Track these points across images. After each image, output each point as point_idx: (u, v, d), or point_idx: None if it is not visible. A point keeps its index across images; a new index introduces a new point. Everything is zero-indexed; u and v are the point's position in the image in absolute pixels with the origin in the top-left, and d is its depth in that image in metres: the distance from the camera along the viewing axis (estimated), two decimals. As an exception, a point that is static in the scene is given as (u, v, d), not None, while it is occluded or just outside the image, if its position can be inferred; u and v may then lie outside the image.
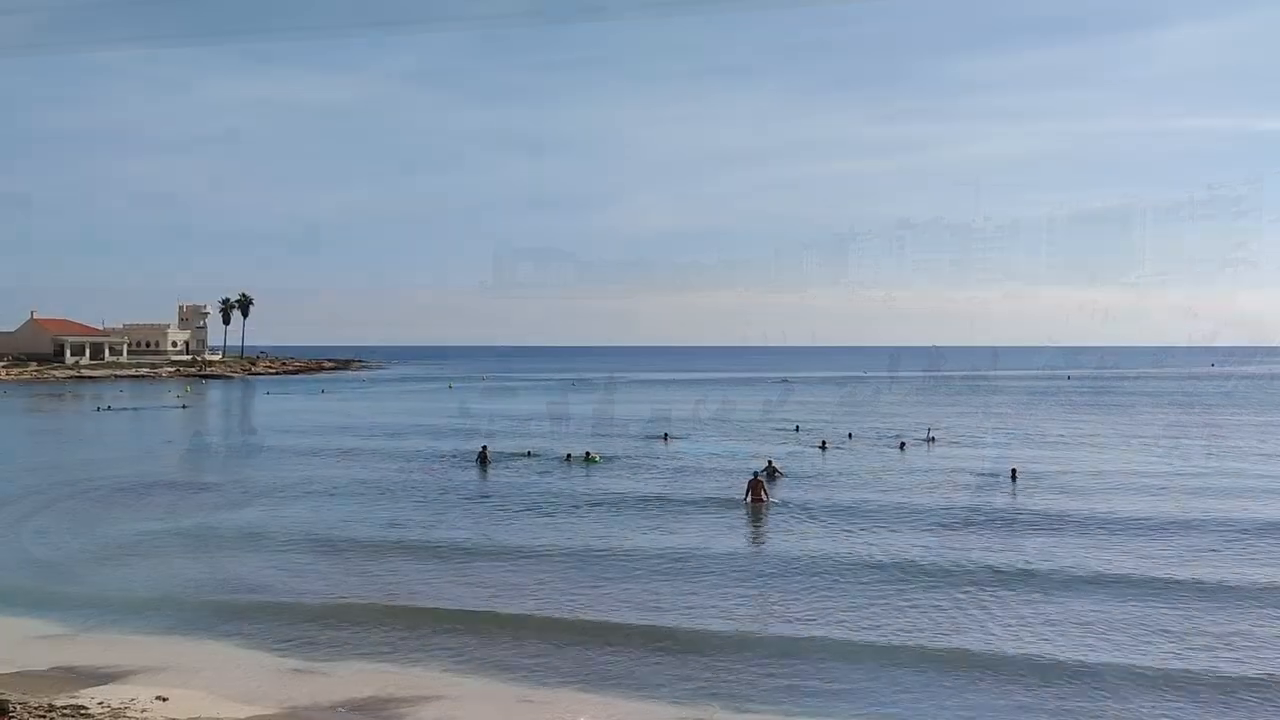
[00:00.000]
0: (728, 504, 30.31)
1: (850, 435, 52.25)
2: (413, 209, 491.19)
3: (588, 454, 41.74)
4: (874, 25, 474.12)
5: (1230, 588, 19.85)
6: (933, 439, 50.12)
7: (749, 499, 29.89)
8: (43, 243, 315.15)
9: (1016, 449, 46.25)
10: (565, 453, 42.59)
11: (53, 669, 15.11)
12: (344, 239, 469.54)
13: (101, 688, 14.11)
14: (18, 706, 12.79)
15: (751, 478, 31.16)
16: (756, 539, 25.58)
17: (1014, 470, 35.88)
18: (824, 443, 47.28)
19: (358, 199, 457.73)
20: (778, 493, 31.43)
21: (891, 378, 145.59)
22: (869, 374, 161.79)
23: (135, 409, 75.16)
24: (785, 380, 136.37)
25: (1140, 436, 53.48)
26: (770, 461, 36.36)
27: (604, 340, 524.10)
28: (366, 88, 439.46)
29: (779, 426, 59.16)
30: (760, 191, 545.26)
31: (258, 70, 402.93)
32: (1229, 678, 14.60)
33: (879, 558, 22.69)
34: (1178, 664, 15.21)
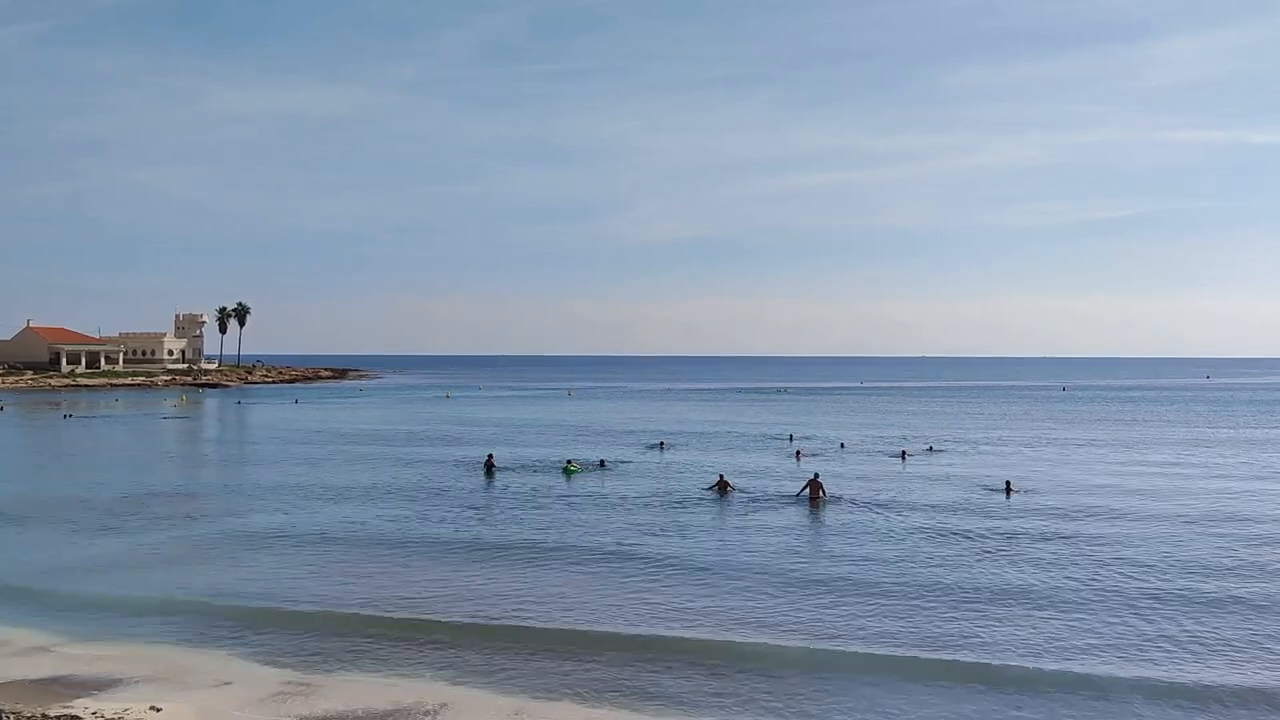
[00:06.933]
0: (721, 509, 30.51)
1: (842, 445, 52.53)
2: (415, 219, 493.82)
3: (568, 463, 42.19)
4: (873, 36, 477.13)
5: (1232, 598, 19.76)
6: (931, 449, 50.44)
7: (806, 493, 32.95)
8: (40, 251, 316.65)
9: (1015, 459, 46.37)
10: (565, 461, 42.92)
11: (45, 678, 15.02)
12: (345, 249, 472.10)
13: (95, 697, 14.04)
14: (11, 716, 12.78)
15: (812, 478, 33.66)
16: (763, 548, 25.32)
17: (1008, 482, 36.00)
18: (798, 453, 48.11)
19: (359, 208, 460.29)
20: (731, 505, 31.99)
21: (889, 388, 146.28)
22: (865, 384, 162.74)
23: (96, 417, 75.11)
24: (783, 390, 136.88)
25: (1135, 447, 53.56)
26: (721, 476, 36.16)
27: (607, 350, 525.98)
28: (369, 98, 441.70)
29: (775, 435, 59.35)
30: (764, 201, 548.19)
31: (262, 81, 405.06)
32: (1238, 688, 14.52)
33: (876, 571, 22.62)
34: (1184, 675, 15.10)
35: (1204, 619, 18.20)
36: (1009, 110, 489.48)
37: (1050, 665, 15.58)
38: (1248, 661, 15.82)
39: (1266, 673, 15.27)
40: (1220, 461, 46.11)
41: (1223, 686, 14.61)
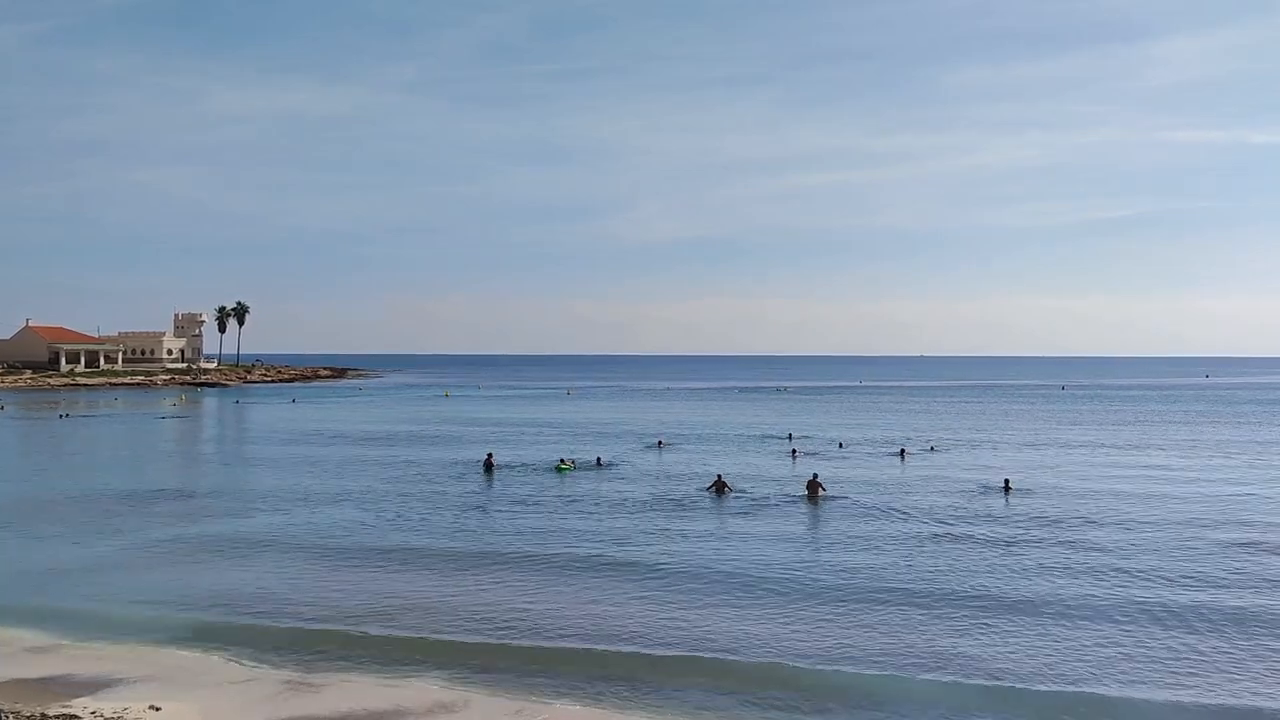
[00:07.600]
0: (718, 511, 30.53)
1: (840, 445, 52.53)
2: (415, 219, 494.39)
3: (561, 461, 42.38)
4: (873, 36, 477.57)
5: (1235, 608, 19.56)
6: (932, 448, 50.46)
7: (805, 494, 33.47)
8: (40, 251, 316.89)
9: (1014, 459, 46.36)
10: (559, 460, 43.08)
11: (45, 678, 15.03)
12: (345, 249, 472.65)
13: (95, 697, 14.06)
14: (10, 716, 12.81)
15: (810, 479, 34.50)
16: (760, 553, 25.29)
17: (1007, 481, 36.01)
18: (794, 452, 48.09)
19: (359, 208, 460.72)
20: (729, 506, 32.00)
21: (889, 387, 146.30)
22: (864, 383, 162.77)
23: (95, 417, 75.12)
24: (783, 389, 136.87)
25: (1135, 447, 53.56)
26: (719, 477, 36.14)
27: (607, 350, 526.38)
28: (369, 98, 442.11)
29: (774, 435, 59.33)
30: (764, 201, 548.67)
31: (262, 80, 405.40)
32: (1243, 708, 14.25)
33: (875, 579, 22.56)
34: (1189, 694, 14.87)
35: (1208, 631, 17.86)
36: (1009, 110, 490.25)
37: (1050, 686, 15.10)
38: (1253, 676, 15.44)
39: (1271, 688, 14.98)
40: (1221, 463, 46.05)
41: (1227, 706, 14.26)
